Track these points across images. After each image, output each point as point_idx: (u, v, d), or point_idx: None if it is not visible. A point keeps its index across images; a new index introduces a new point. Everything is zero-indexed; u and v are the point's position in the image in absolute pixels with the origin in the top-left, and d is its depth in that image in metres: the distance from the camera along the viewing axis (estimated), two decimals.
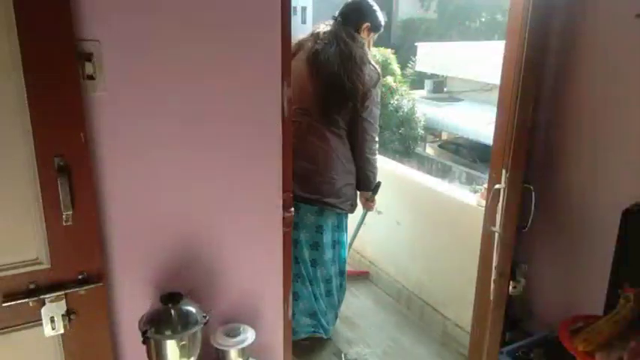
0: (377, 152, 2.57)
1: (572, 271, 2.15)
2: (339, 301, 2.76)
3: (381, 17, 2.54)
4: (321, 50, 2.43)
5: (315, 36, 2.47)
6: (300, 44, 2.49)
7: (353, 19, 2.47)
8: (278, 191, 1.58)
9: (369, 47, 2.55)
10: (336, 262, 2.67)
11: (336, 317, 2.79)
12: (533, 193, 2.08)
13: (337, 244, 2.66)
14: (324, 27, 2.48)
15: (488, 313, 2.13)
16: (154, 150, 1.39)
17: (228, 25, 1.39)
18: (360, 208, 2.77)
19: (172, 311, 1.36)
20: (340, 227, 2.66)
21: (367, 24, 2.48)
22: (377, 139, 2.53)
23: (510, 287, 2.17)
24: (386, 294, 3.19)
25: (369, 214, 2.83)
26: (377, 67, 2.48)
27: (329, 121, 2.44)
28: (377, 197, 3.16)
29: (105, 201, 1.35)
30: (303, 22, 22.40)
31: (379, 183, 2.65)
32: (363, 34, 2.49)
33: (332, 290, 2.67)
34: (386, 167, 3.19)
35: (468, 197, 2.70)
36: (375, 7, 2.53)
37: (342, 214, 2.62)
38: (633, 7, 1.76)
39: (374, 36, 2.56)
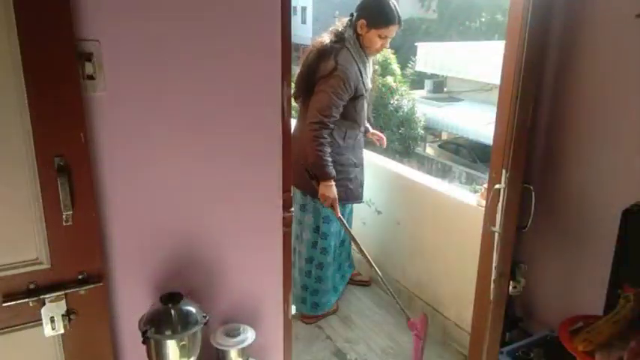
0: (319, 140, 2.47)
1: (572, 271, 2.15)
2: (306, 288, 2.81)
3: (385, 12, 2.49)
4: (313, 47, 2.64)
5: None
6: None
7: (355, 16, 2.55)
8: (278, 191, 1.58)
9: (369, 43, 2.53)
10: (304, 244, 2.77)
11: (305, 303, 2.82)
12: (533, 193, 2.08)
13: (302, 224, 2.75)
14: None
15: (488, 313, 2.13)
16: (154, 150, 1.39)
17: (228, 25, 1.39)
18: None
19: (172, 311, 1.36)
20: (305, 210, 2.72)
21: (362, 20, 2.51)
22: (318, 129, 2.45)
23: (510, 287, 2.17)
24: (386, 294, 3.19)
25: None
26: (338, 62, 2.45)
27: (305, 108, 2.61)
28: (376, 197, 3.18)
29: (105, 201, 1.35)
30: (303, 22, 22.42)
31: (317, 171, 2.53)
32: (361, 31, 2.52)
33: (294, 264, 2.76)
34: (386, 167, 3.20)
35: (468, 197, 2.69)
36: (381, 4, 2.50)
37: (305, 194, 2.68)
38: (633, 7, 1.76)
39: (379, 32, 2.50)
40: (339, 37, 2.53)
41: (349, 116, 2.57)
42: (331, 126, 2.50)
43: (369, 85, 2.66)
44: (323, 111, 2.46)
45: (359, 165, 2.72)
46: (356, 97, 2.54)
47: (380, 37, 2.53)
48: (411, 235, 3.00)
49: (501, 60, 1.97)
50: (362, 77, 2.54)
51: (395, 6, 2.52)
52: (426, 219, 2.90)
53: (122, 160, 1.35)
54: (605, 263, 1.86)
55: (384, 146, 3.01)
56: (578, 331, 1.75)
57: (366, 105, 2.66)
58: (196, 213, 1.49)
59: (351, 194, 2.70)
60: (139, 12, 1.28)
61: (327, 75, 2.46)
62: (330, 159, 2.52)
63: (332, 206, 2.58)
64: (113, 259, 1.40)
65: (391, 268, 3.17)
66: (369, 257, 2.71)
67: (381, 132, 3.09)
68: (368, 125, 2.93)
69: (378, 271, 2.66)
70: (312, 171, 2.55)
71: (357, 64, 2.51)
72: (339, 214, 2.61)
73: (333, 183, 2.54)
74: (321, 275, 2.80)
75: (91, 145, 1.29)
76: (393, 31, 2.55)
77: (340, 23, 2.62)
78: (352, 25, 2.55)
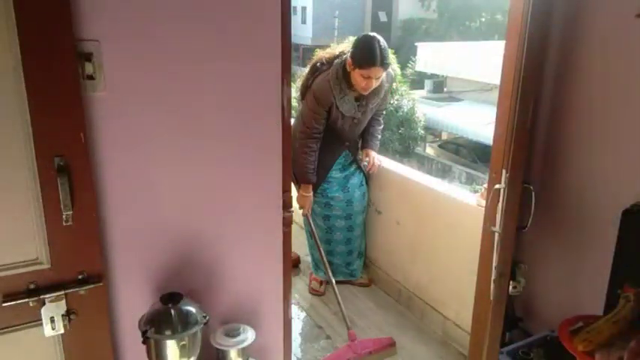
0: (303, 148, 2.78)
1: (572, 271, 2.15)
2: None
3: (366, 54, 2.61)
4: None
5: None
6: None
7: (350, 50, 2.71)
8: (278, 191, 1.58)
9: (354, 81, 2.66)
10: (320, 230, 3.08)
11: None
12: (533, 193, 2.08)
13: (315, 213, 3.07)
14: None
15: (488, 313, 2.13)
16: (154, 150, 1.39)
17: (228, 25, 1.39)
18: None
19: (172, 311, 1.36)
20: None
21: (349, 58, 2.67)
22: (304, 138, 2.77)
23: (510, 287, 2.17)
24: (386, 294, 3.19)
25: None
26: (313, 83, 2.74)
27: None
28: (376, 197, 3.18)
29: (105, 201, 1.35)
30: (303, 22, 22.42)
31: (299, 176, 2.84)
32: (349, 68, 2.67)
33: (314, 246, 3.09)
34: (386, 167, 3.19)
35: (468, 197, 2.69)
36: (366, 45, 2.63)
37: None
38: (633, 7, 1.76)
39: (361, 72, 2.63)
40: (329, 62, 2.76)
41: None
42: (316, 135, 2.78)
43: (352, 114, 2.79)
44: (307, 123, 2.77)
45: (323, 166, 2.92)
46: (328, 117, 2.77)
47: (363, 76, 2.64)
48: (411, 235, 3.00)
49: (501, 60, 1.97)
50: (335, 103, 2.71)
51: (380, 49, 2.62)
52: (426, 219, 2.90)
53: (122, 160, 1.35)
54: (605, 263, 1.86)
55: (372, 172, 3.11)
56: (578, 331, 1.75)
57: (345, 126, 2.83)
58: (196, 213, 1.49)
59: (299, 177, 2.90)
60: (138, 12, 1.28)
61: (306, 93, 2.80)
62: (312, 167, 2.81)
63: (303, 208, 2.89)
64: (113, 259, 1.40)
65: (391, 268, 3.17)
66: (325, 262, 2.91)
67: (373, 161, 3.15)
68: (373, 145, 3.09)
69: (331, 276, 2.85)
70: (296, 175, 2.83)
71: (332, 91, 2.69)
72: (308, 214, 2.93)
73: (310, 192, 2.88)
74: (331, 250, 3.09)
75: (91, 145, 1.29)
76: (375, 72, 2.63)
77: (344, 46, 2.82)
78: (344, 60, 2.71)
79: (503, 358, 2.11)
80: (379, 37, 2.71)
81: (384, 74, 2.71)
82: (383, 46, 2.63)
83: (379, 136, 3.13)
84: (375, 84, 2.69)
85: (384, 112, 3.15)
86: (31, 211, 1.23)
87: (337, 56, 2.77)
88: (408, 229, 3.02)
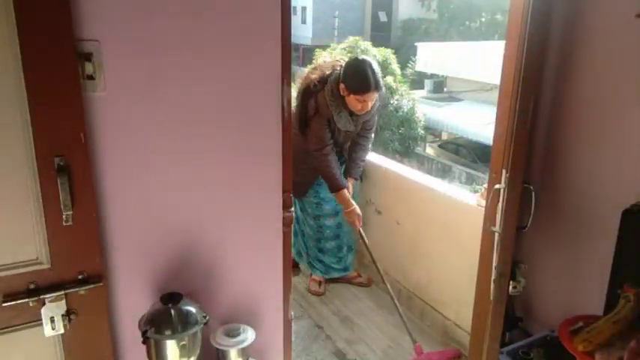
0: (322, 159, 2.81)
1: (572, 271, 2.15)
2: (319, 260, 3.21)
3: (359, 81, 2.64)
4: None
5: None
6: None
7: (341, 77, 2.72)
8: (278, 191, 1.58)
9: (350, 105, 2.71)
10: (311, 229, 3.16)
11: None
12: (533, 193, 2.08)
13: (304, 212, 3.16)
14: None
15: (488, 313, 2.13)
16: (154, 150, 1.39)
17: (228, 25, 1.39)
18: None
19: (172, 311, 1.36)
20: (303, 202, 3.12)
21: (342, 85, 2.69)
22: (319, 150, 2.79)
23: (510, 287, 2.17)
24: (386, 294, 3.19)
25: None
26: (318, 102, 2.72)
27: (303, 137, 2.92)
28: (376, 197, 3.19)
29: (105, 201, 1.35)
30: (303, 22, 22.42)
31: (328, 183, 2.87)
32: (343, 93, 2.70)
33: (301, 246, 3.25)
34: (386, 167, 3.20)
35: (468, 197, 2.69)
36: (359, 71, 2.65)
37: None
38: (633, 7, 1.76)
39: (356, 97, 2.66)
40: (323, 80, 2.76)
41: None
42: (329, 143, 2.79)
43: (347, 128, 2.82)
44: (320, 138, 2.78)
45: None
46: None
47: (358, 100, 2.68)
48: (411, 235, 3.00)
49: (501, 60, 1.97)
50: (333, 119, 2.75)
51: (372, 73, 2.64)
52: (426, 219, 2.90)
53: (122, 160, 1.35)
54: (605, 263, 1.86)
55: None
56: (578, 331, 1.75)
57: (339, 138, 2.88)
58: (196, 213, 1.49)
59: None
60: (138, 12, 1.28)
61: (314, 113, 2.75)
62: (336, 170, 2.81)
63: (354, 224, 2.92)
64: (113, 259, 1.40)
65: (391, 268, 3.17)
66: (381, 272, 2.90)
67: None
68: (355, 172, 3.06)
69: (391, 290, 2.84)
70: (330, 187, 2.87)
71: (329, 107, 2.72)
72: (359, 228, 2.92)
73: (353, 206, 2.87)
74: (322, 248, 3.16)
75: (91, 145, 1.29)
76: (370, 96, 2.68)
77: (331, 64, 2.82)
78: (337, 77, 2.71)
79: (503, 358, 2.12)
80: (369, 59, 2.75)
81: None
82: (375, 70, 2.67)
83: (363, 162, 3.10)
84: (370, 105, 2.74)
85: (374, 127, 3.10)
86: (31, 211, 1.23)
87: (330, 74, 2.76)
88: (408, 229, 3.02)
